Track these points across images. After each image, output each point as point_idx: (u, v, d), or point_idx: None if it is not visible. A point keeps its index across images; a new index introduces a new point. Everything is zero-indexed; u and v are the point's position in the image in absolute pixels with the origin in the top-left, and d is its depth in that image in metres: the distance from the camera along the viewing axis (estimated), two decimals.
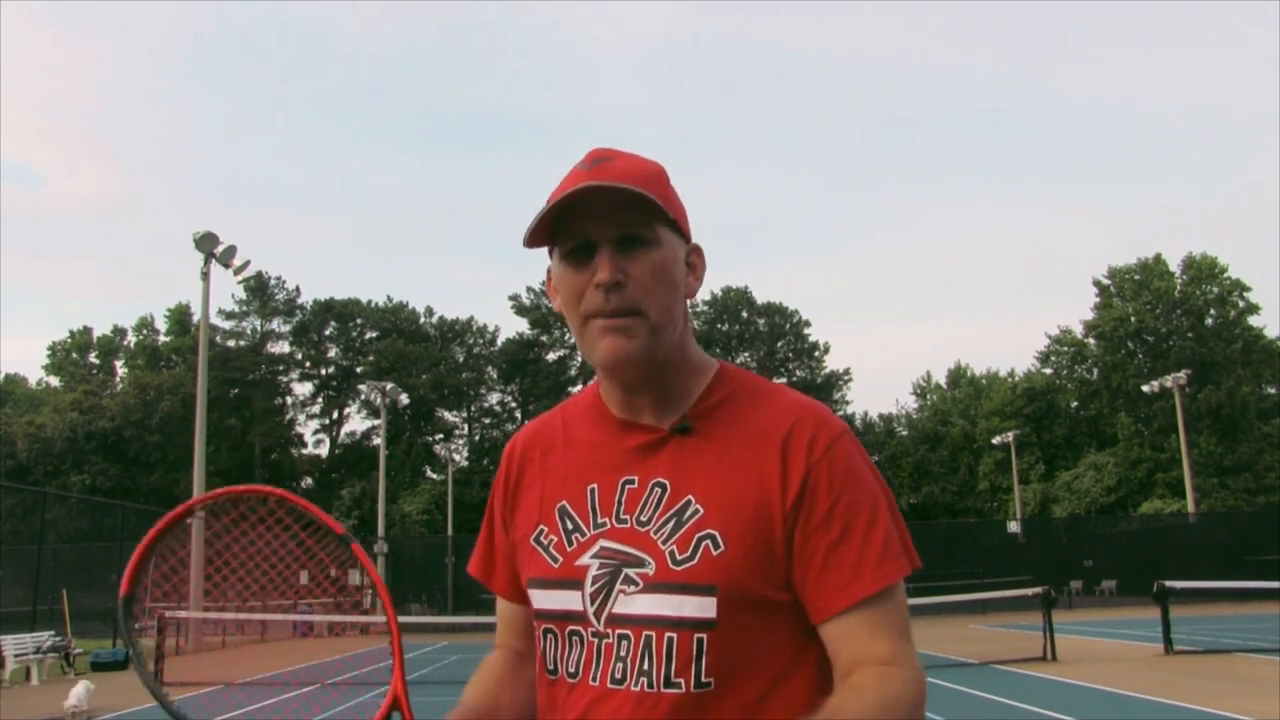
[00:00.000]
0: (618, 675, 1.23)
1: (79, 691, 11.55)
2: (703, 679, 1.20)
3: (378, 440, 53.20)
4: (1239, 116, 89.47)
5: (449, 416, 65.83)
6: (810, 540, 1.22)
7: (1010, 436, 52.99)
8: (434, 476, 62.85)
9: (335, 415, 66.47)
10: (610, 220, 1.25)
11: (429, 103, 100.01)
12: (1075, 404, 61.21)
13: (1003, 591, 22.67)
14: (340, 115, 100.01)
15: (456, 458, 61.36)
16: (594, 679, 1.25)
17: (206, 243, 25.92)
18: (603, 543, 1.27)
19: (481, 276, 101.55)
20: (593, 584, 1.26)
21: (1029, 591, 17.37)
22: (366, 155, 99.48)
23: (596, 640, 1.25)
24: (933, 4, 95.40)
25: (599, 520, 1.29)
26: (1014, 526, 44.66)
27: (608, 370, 1.29)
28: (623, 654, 1.23)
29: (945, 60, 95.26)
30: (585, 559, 1.27)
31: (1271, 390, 57.40)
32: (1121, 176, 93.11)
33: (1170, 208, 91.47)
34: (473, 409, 66.41)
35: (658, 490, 1.27)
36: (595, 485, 1.31)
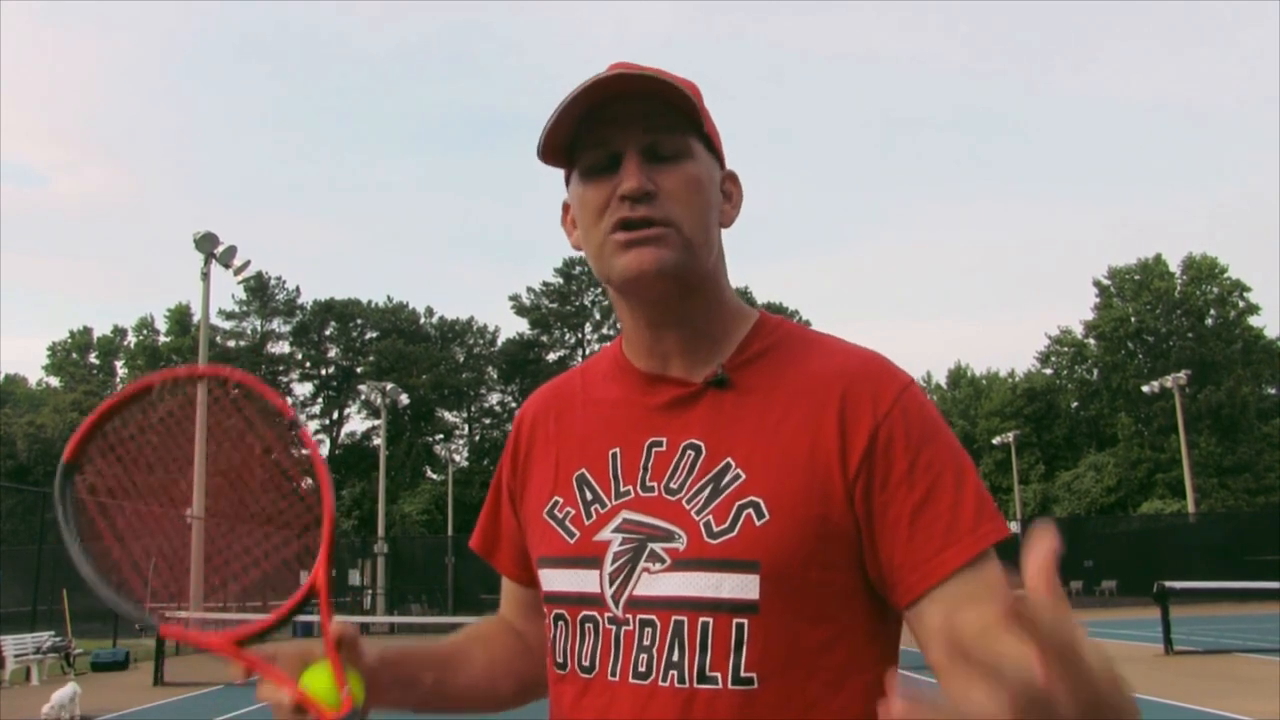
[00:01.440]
0: (641, 669, 1.04)
1: (63, 695, 10.68)
2: (742, 673, 1.01)
3: (378, 440, 53.23)
4: (1239, 116, 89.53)
5: (449, 416, 65.84)
6: (891, 506, 1.03)
7: (1010, 437, 52.99)
8: (434, 477, 62.87)
9: (335, 415, 66.50)
10: (639, 126, 1.08)
11: (429, 103, 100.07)
12: (1075, 404, 61.21)
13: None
14: (340, 115, 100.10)
15: (456, 458, 61.39)
16: (613, 673, 1.06)
17: (206, 243, 25.91)
18: (625, 514, 1.09)
19: (481, 276, 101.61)
20: (613, 561, 1.08)
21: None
22: (366, 155, 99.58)
23: (615, 628, 1.06)
24: (933, 4, 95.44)
25: (622, 489, 1.11)
26: (1014, 526, 44.65)
27: (632, 287, 1.10)
28: (646, 643, 1.04)
29: (945, 60, 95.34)
30: (606, 533, 1.09)
31: (1271, 390, 57.40)
32: (1121, 176, 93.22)
33: (1170, 208, 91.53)
34: (473, 409, 66.42)
35: (691, 453, 1.09)
36: (618, 449, 1.13)
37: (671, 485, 1.08)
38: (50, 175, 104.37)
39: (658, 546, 1.06)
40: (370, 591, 36.27)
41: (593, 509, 1.12)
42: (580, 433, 1.18)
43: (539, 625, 1.22)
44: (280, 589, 1.21)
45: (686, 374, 1.14)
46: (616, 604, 1.07)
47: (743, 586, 1.01)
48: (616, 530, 1.09)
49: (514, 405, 66.56)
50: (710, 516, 1.05)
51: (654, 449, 1.11)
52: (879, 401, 1.07)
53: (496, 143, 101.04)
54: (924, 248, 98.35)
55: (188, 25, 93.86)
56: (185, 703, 13.40)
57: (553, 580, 1.14)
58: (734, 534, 1.03)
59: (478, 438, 66.06)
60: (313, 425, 66.42)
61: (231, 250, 26.58)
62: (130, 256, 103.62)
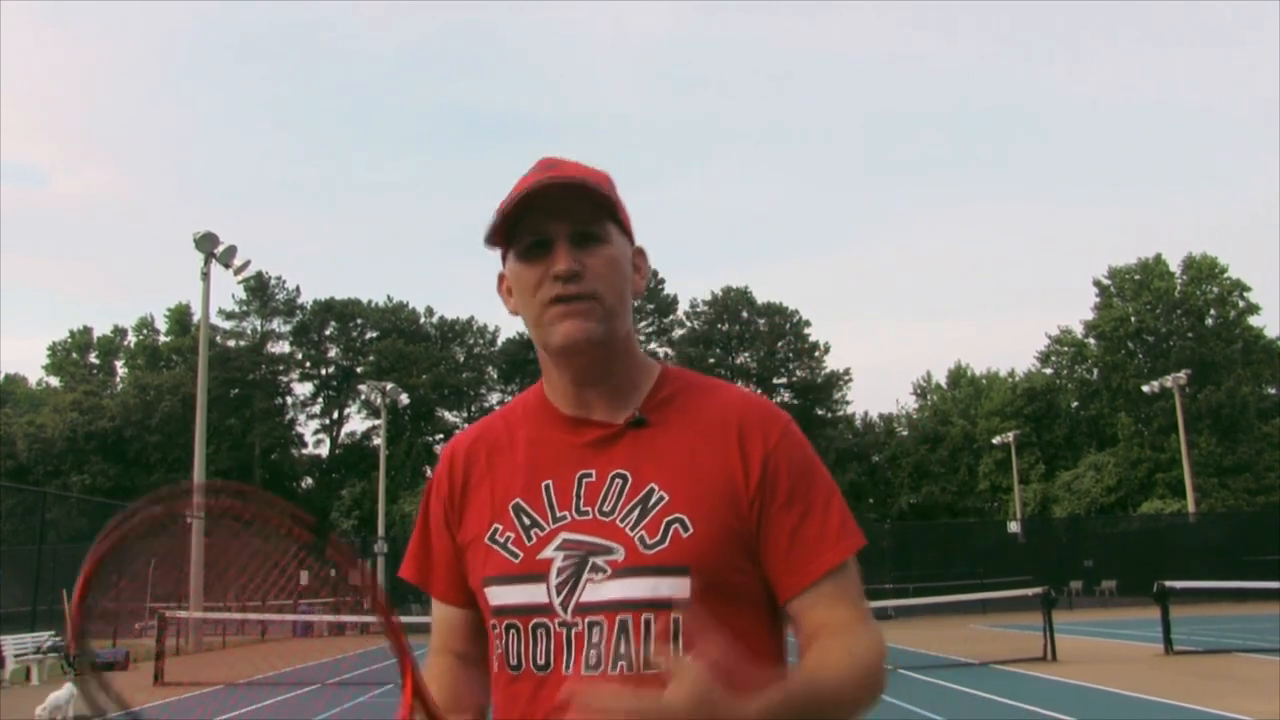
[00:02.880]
0: (592, 661, 1.24)
1: (59, 696, 10.56)
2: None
3: (378, 440, 53.22)
4: (1239, 116, 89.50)
5: (449, 416, 65.79)
6: (775, 521, 1.29)
7: (1010, 436, 52.99)
8: None
9: (335, 415, 66.47)
10: (565, 218, 1.31)
11: (429, 102, 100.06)
12: (1075, 404, 61.19)
13: (1003, 591, 22.65)
14: (341, 115, 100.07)
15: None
16: (566, 668, 1.25)
17: (206, 243, 25.92)
18: (565, 535, 1.29)
19: (481, 276, 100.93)
20: (558, 575, 1.27)
21: (1029, 591, 17.38)
22: (366, 155, 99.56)
23: (565, 630, 1.26)
24: (933, 3, 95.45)
25: (558, 514, 1.31)
26: (1014, 526, 44.64)
27: (566, 352, 1.32)
28: (595, 640, 1.24)
29: (945, 60, 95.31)
30: (548, 552, 1.29)
31: (1271, 390, 57.37)
32: (1121, 176, 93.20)
33: (1170, 208, 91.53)
34: (473, 409, 66.37)
35: (619, 481, 1.30)
36: (550, 481, 1.33)
37: (604, 508, 1.29)
38: (50, 175, 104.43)
39: (598, 559, 1.27)
40: (369, 595, 36.21)
41: (532, 532, 1.32)
42: (512, 468, 1.37)
43: (479, 644, 1.42)
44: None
45: (608, 416, 1.35)
46: (565, 610, 1.26)
47: (677, 587, 1.24)
48: (558, 549, 1.29)
49: None
50: (643, 532, 1.27)
51: (584, 479, 1.32)
52: (768, 436, 1.33)
53: (496, 143, 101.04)
54: (924, 248, 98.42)
55: (188, 25, 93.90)
56: (185, 703, 13.40)
57: (502, 595, 1.32)
58: (665, 545, 1.26)
59: None
60: (313, 425, 66.52)
61: (231, 250, 26.59)
62: (130, 256, 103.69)
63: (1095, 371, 59.83)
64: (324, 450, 66.20)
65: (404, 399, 53.09)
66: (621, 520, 1.28)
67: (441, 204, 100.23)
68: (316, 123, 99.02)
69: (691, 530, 1.26)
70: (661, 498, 1.28)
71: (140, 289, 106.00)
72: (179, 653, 21.76)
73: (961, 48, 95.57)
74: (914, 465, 60.85)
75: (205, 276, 26.33)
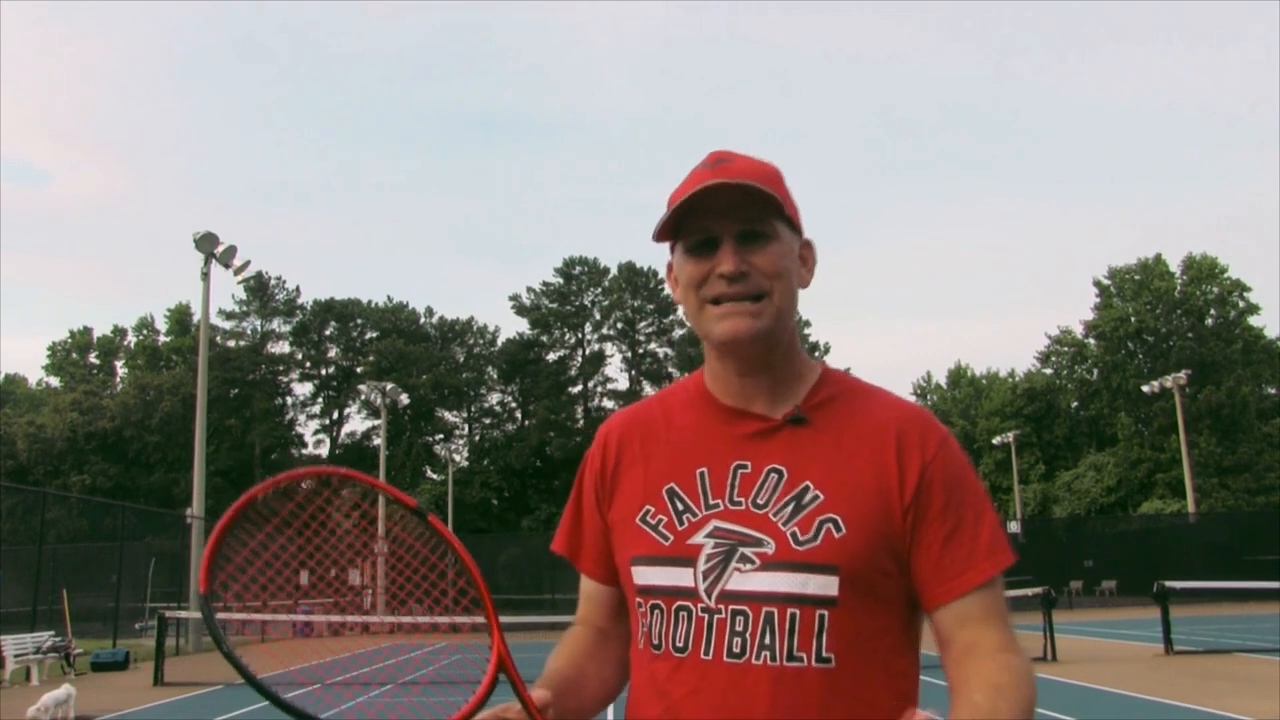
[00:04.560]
0: (735, 649, 1.27)
1: (54, 696, 10.39)
2: (823, 654, 1.26)
3: (378, 440, 53.23)
4: (1239, 116, 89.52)
5: (449, 416, 65.80)
6: (928, 532, 1.31)
7: (1010, 436, 53.01)
8: (434, 476, 62.86)
9: (335, 415, 66.48)
10: (732, 217, 1.33)
11: (429, 102, 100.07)
12: (1075, 404, 61.21)
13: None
14: (340, 115, 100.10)
15: (456, 458, 61.33)
16: (706, 652, 1.28)
17: (206, 243, 25.92)
18: (716, 523, 1.32)
19: (481, 276, 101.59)
20: (706, 561, 1.30)
21: (1029, 591, 17.36)
22: (366, 155, 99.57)
23: (707, 616, 1.29)
24: (933, 3, 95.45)
25: (711, 501, 1.34)
26: (1014, 526, 44.63)
27: (728, 347, 1.35)
28: (739, 629, 1.27)
29: (945, 60, 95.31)
30: (698, 538, 1.32)
31: (1271, 390, 57.39)
32: (1121, 176, 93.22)
33: (1170, 208, 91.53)
34: (473, 409, 66.39)
35: (774, 475, 1.33)
36: (705, 469, 1.36)
37: (758, 501, 1.32)
38: (51, 174, 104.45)
39: (748, 550, 1.29)
40: (370, 591, 36.26)
41: (684, 517, 1.34)
42: (667, 452, 1.40)
43: (622, 623, 1.47)
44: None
45: (768, 410, 1.37)
46: (710, 596, 1.29)
47: (825, 585, 1.27)
48: (708, 536, 1.32)
49: (514, 405, 66.62)
50: (796, 528, 1.29)
51: (739, 470, 1.34)
52: (926, 448, 1.34)
53: (496, 143, 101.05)
54: (924, 248, 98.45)
55: (188, 25, 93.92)
56: (185, 703, 13.40)
57: (648, 576, 1.35)
58: (817, 543, 1.28)
59: (478, 438, 66.03)
60: (313, 425, 66.53)
61: (231, 250, 26.58)
62: (130, 256, 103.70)
63: (1095, 371, 59.84)
64: (324, 450, 66.20)
65: (404, 399, 53.10)
66: (774, 514, 1.30)
67: (441, 204, 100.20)
68: (317, 123, 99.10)
69: (844, 531, 1.28)
70: (816, 496, 1.31)
71: (140, 289, 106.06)
72: (179, 653, 21.76)
73: (961, 47, 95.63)
74: None
75: (205, 276, 26.32)
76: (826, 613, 1.26)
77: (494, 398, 67.23)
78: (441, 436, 65.68)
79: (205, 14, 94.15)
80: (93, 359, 69.20)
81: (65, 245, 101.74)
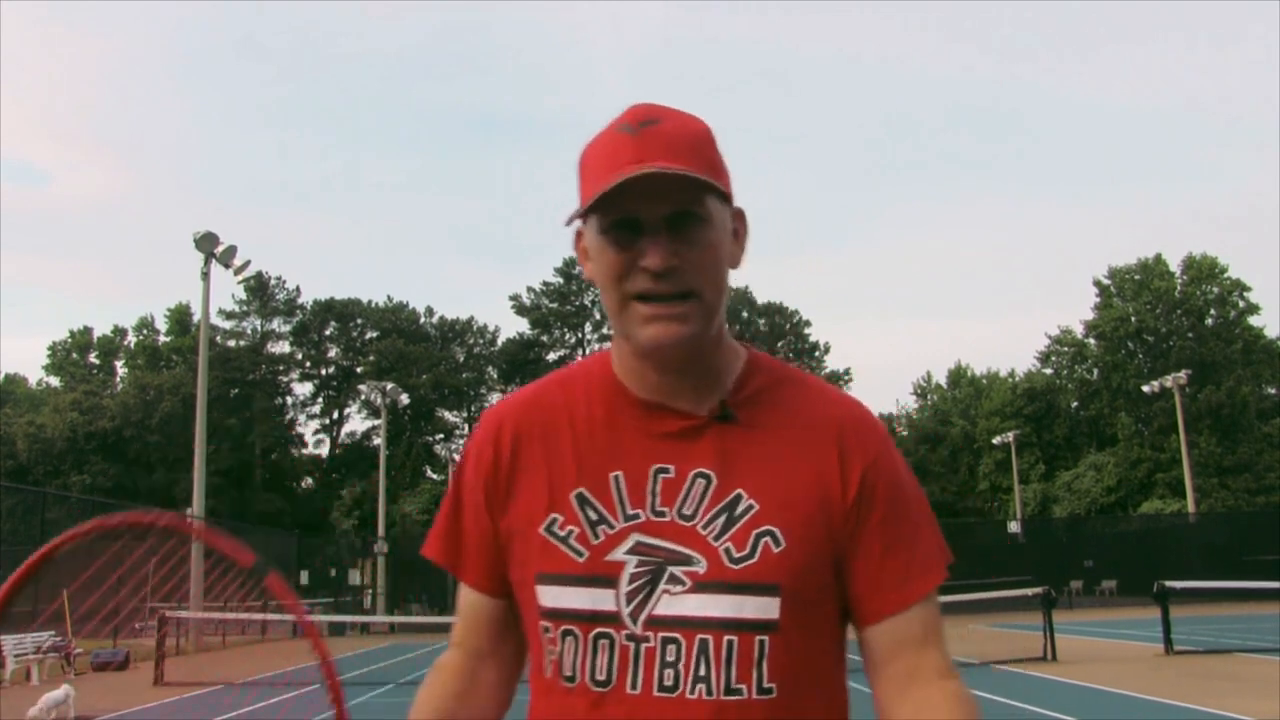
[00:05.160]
0: (667, 682, 1.12)
1: (54, 697, 10.32)
2: (765, 684, 1.13)
3: (378, 440, 53.21)
4: (1239, 116, 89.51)
5: (449, 416, 65.82)
6: (868, 540, 1.19)
7: (1010, 436, 53.01)
8: (434, 476, 62.89)
9: (335, 415, 66.48)
10: (661, 198, 1.13)
11: (429, 102, 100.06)
12: (1075, 404, 61.21)
13: (1003, 591, 22.62)
14: (340, 115, 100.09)
15: (456, 458, 61.33)
16: (633, 686, 1.13)
17: (206, 243, 25.93)
18: (638, 537, 1.16)
19: (481, 276, 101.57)
20: (630, 582, 1.14)
21: (1029, 591, 17.37)
22: (366, 155, 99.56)
23: (633, 644, 1.13)
24: (933, 3, 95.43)
25: (629, 511, 1.17)
26: (1014, 526, 44.65)
27: (654, 355, 1.17)
28: (671, 659, 1.12)
29: (945, 60, 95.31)
30: (618, 554, 1.16)
31: (1271, 390, 57.39)
32: (1121, 176, 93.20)
33: (1170, 208, 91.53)
34: (473, 409, 66.39)
35: (701, 482, 1.17)
36: (620, 473, 1.19)
37: (684, 511, 1.16)
38: (51, 174, 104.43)
39: (676, 569, 1.14)
40: (370, 591, 36.28)
41: (599, 529, 1.18)
42: (574, 452, 1.22)
43: (506, 642, 1.29)
44: None
45: (690, 407, 1.20)
46: (635, 622, 1.14)
47: (765, 608, 1.13)
48: (630, 552, 1.16)
49: None
50: (730, 543, 1.14)
51: (660, 475, 1.18)
52: (866, 450, 1.21)
53: (496, 142, 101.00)
54: (924, 248, 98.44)
55: (188, 25, 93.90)
56: (185, 703, 13.40)
57: (560, 597, 1.17)
58: (754, 560, 1.14)
59: None
60: (313, 425, 66.55)
61: (231, 250, 26.59)
62: (130, 256, 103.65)
63: (1095, 371, 59.84)
64: (324, 450, 66.24)
65: (404, 399, 53.10)
66: (704, 527, 1.15)
67: (441, 204, 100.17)
68: (317, 123, 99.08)
69: (784, 545, 1.14)
70: (751, 506, 1.16)
71: (140, 289, 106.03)
72: (179, 652, 21.77)
73: (961, 47, 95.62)
74: (914, 465, 59.06)
75: (205, 276, 26.34)
76: (766, 638, 1.13)
77: (494, 398, 67.23)
78: (441, 436, 65.71)
79: (205, 14, 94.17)
80: (93, 359, 69.18)
81: (65, 245, 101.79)
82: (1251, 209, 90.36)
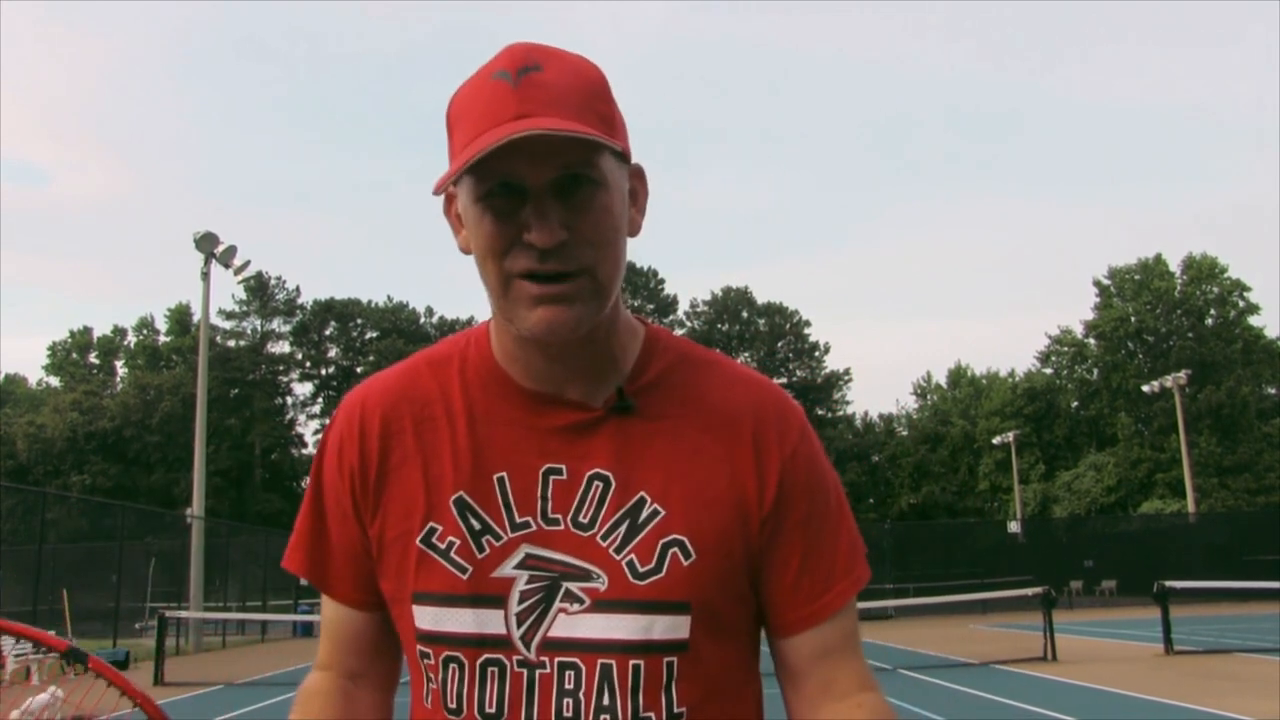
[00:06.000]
0: (567, 713, 0.99)
1: (39, 700, 10.38)
2: (675, 709, 1.01)
3: None
4: (1240, 116, 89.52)
5: None
6: (786, 545, 1.06)
7: (1010, 436, 52.99)
8: None
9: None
10: (546, 160, 0.96)
11: (430, 102, 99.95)
12: (1075, 404, 61.21)
13: (1003, 591, 22.66)
14: (341, 115, 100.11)
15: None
16: (527, 718, 1.00)
17: (206, 243, 25.92)
18: (528, 548, 1.02)
19: None
20: (521, 601, 1.01)
21: (1029, 591, 17.38)
22: (367, 154, 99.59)
23: (526, 671, 1.01)
24: (933, 3, 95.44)
25: (517, 520, 1.03)
26: (1014, 526, 44.63)
27: (541, 341, 1.02)
28: (569, 687, 1.00)
29: (945, 60, 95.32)
30: (506, 569, 1.02)
31: (1271, 390, 57.38)
32: (1121, 176, 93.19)
33: (1170, 208, 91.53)
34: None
35: (598, 484, 1.03)
36: (504, 475, 1.05)
37: (580, 520, 1.03)
38: (51, 174, 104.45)
39: (573, 586, 1.01)
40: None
41: (484, 540, 1.04)
42: (452, 450, 1.07)
43: (380, 662, 1.17)
44: None
45: (584, 397, 1.06)
46: (528, 646, 1.01)
47: (674, 627, 1.01)
48: (520, 567, 1.02)
49: None
50: (633, 556, 1.01)
51: (551, 477, 1.04)
52: (784, 442, 1.08)
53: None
54: (924, 248, 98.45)
55: (188, 25, 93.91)
56: (185, 703, 13.40)
57: (441, 619, 1.04)
58: (662, 575, 1.01)
59: None
60: (313, 425, 66.51)
61: (231, 250, 26.59)
62: (130, 256, 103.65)
63: (1095, 371, 59.85)
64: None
65: None
66: (604, 538, 1.02)
67: (441, 204, 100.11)
68: (317, 123, 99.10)
69: (694, 557, 1.01)
70: (655, 512, 1.02)
71: (140, 289, 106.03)
72: (179, 652, 21.78)
73: (961, 47, 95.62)
74: (914, 465, 60.88)
75: (205, 276, 26.33)
76: (675, 659, 1.01)
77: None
78: None
79: (205, 14, 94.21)
80: (93, 359, 69.17)
81: (65, 245, 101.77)
82: (1252, 209, 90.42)
